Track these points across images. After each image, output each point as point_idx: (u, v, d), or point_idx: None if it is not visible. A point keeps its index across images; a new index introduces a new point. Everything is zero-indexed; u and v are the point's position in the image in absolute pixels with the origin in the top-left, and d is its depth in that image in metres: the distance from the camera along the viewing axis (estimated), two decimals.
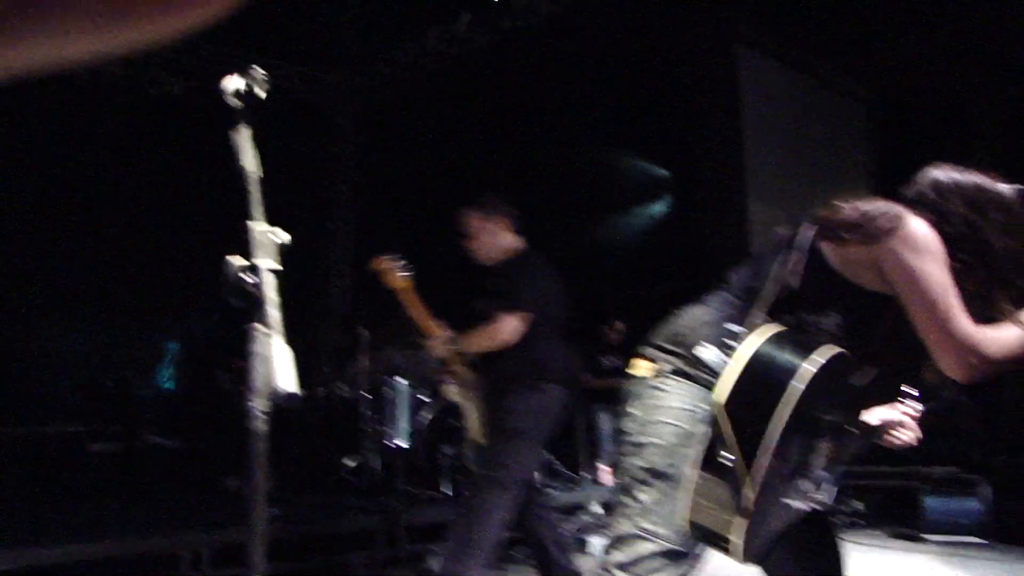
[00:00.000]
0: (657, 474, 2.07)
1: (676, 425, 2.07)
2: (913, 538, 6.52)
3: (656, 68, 11.10)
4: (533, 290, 4.28)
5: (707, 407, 1.95)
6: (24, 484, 6.82)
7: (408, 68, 9.47)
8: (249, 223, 1.71)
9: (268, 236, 1.69)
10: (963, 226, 2.05)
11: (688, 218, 11.18)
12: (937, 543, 6.37)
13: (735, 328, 2.02)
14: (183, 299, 8.09)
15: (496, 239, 4.56)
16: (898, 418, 2.43)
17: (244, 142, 1.86)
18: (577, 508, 6.87)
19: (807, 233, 2.08)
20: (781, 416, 1.81)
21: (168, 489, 6.97)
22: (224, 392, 7.29)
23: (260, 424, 1.63)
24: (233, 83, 1.89)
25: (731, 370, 1.89)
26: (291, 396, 1.48)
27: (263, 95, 1.90)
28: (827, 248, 2.07)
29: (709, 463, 1.88)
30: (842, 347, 1.96)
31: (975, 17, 9.63)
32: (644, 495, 2.09)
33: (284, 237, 1.73)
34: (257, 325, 1.60)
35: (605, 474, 7.46)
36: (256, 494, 1.69)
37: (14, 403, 7.30)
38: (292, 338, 1.55)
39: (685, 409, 2.08)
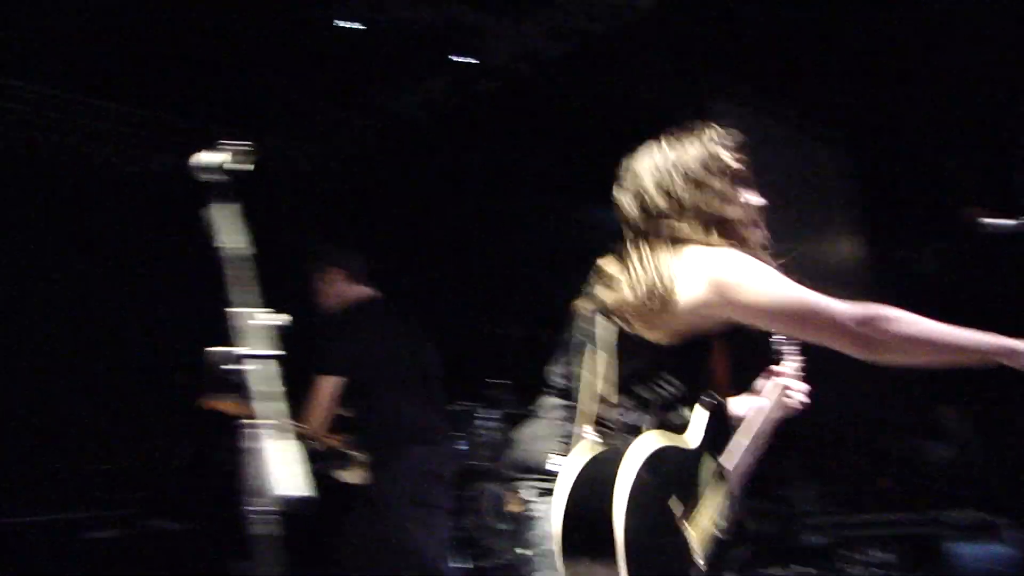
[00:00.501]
0: None
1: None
2: None
3: (635, 121, 11.01)
4: (348, 349, 4.04)
5: None
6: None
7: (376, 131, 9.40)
8: (229, 309, 1.57)
9: (258, 320, 1.55)
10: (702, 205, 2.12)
11: None
12: None
13: (569, 429, 2.04)
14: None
15: (331, 290, 4.33)
16: (773, 391, 2.38)
17: (225, 219, 1.73)
18: None
19: (601, 326, 2.06)
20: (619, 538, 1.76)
21: None
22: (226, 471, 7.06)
23: (264, 527, 1.48)
24: (208, 157, 1.77)
25: (553, 525, 1.87)
26: (300, 500, 1.33)
27: (247, 168, 1.78)
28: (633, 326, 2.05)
29: None
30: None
31: (952, 62, 9.62)
32: None
33: (281, 319, 1.59)
34: (249, 422, 1.47)
35: None
36: None
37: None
38: None
39: None
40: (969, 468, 7.69)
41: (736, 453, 2.19)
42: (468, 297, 8.63)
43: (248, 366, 1.49)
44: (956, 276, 8.66)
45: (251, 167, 1.80)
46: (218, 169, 1.77)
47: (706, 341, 2.08)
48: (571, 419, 2.06)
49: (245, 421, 1.48)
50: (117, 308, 7.85)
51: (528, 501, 2.09)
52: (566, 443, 2.01)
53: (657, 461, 1.88)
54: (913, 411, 7.45)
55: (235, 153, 1.78)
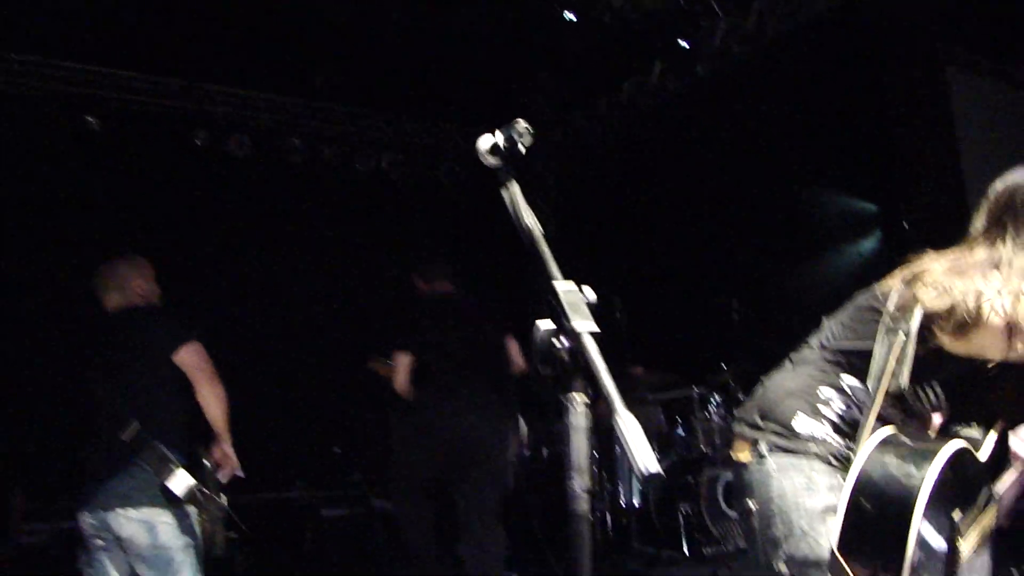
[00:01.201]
0: (810, 563, 1.91)
1: (800, 507, 1.94)
2: None
3: (861, 99, 10.67)
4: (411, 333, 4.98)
5: (820, 476, 1.90)
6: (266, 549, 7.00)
7: (604, 120, 9.45)
8: (554, 283, 1.60)
9: (576, 295, 1.57)
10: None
11: (901, 252, 10.58)
12: None
13: (826, 393, 2.00)
14: None
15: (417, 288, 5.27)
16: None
17: (517, 198, 1.76)
18: None
19: (915, 322, 1.96)
20: (912, 541, 1.69)
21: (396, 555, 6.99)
22: None
23: (582, 504, 1.50)
24: (490, 140, 1.80)
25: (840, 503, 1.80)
26: (654, 477, 1.34)
27: (524, 149, 1.81)
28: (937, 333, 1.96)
29: None
30: (947, 417, 1.93)
31: None
32: None
33: (591, 296, 1.60)
34: (575, 395, 1.49)
35: None
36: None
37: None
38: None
39: (800, 487, 1.95)
40: None
41: (1007, 484, 2.08)
42: (697, 282, 8.59)
43: (582, 341, 1.50)
44: None
45: (530, 144, 1.82)
46: (503, 149, 1.79)
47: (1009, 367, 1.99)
48: (826, 381, 2.03)
49: (570, 396, 1.50)
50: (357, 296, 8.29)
51: (761, 455, 2.03)
52: (814, 403, 1.99)
53: (960, 463, 1.83)
54: None
55: (520, 133, 1.80)
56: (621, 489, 6.42)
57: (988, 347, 1.93)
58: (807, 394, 2.03)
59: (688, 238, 8.98)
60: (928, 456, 1.78)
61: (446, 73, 8.02)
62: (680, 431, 6.85)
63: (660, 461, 6.61)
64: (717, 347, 7.21)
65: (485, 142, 1.79)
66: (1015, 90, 11.28)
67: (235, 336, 6.90)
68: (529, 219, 1.73)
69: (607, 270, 8.60)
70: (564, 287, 1.57)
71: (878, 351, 1.97)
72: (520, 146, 1.79)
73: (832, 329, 2.16)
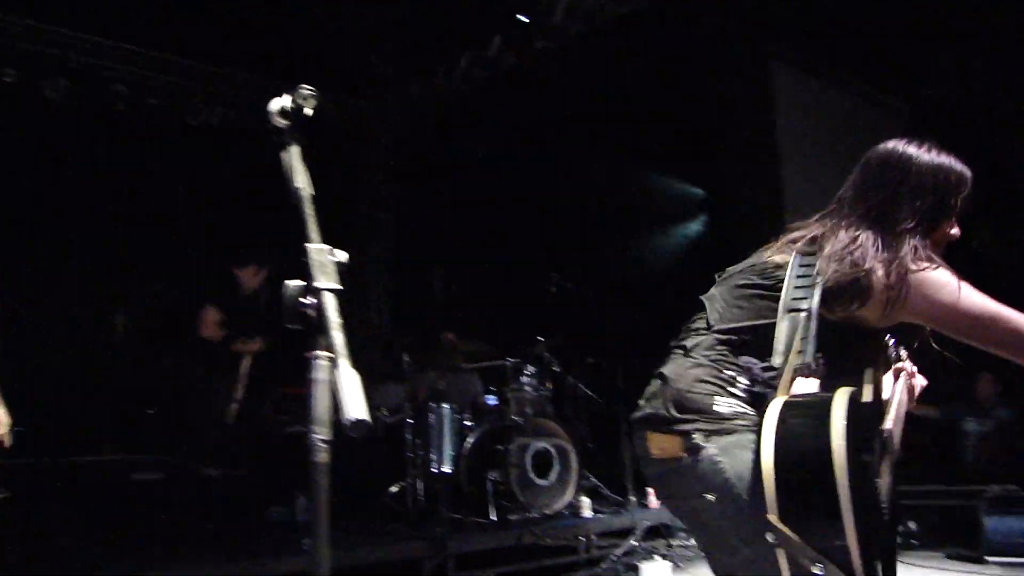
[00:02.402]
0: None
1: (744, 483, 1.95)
2: (974, 560, 6.32)
3: (691, 86, 11.03)
4: None
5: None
6: (68, 514, 6.80)
7: (441, 92, 9.45)
8: (307, 244, 1.64)
9: (327, 256, 1.62)
10: (919, 211, 2.15)
11: (724, 237, 11.07)
12: (999, 564, 6.18)
13: (731, 373, 2.03)
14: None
15: None
16: (904, 387, 2.36)
17: (295, 161, 1.80)
18: (625, 532, 6.75)
19: (816, 299, 2.02)
20: (844, 494, 1.73)
21: (212, 519, 6.90)
22: (269, 421, 7.24)
23: (323, 455, 1.56)
24: (279, 102, 1.84)
25: (766, 476, 1.80)
26: (360, 423, 1.40)
27: (311, 113, 1.85)
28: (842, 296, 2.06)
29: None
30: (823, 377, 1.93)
31: (1014, 29, 9.51)
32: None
33: (343, 256, 1.66)
34: (318, 351, 1.53)
35: (653, 498, 7.32)
36: (319, 528, 1.61)
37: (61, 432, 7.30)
38: None
39: (751, 462, 1.93)
40: (1004, 442, 7.65)
41: (891, 419, 2.20)
42: (520, 255, 8.73)
43: (323, 299, 1.56)
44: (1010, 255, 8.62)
45: (316, 110, 1.87)
46: (290, 112, 1.84)
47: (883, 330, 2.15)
48: (725, 362, 2.07)
49: (314, 352, 1.54)
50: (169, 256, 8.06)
51: (698, 446, 2.00)
52: (724, 384, 2.02)
53: (858, 407, 1.88)
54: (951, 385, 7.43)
55: (304, 97, 1.85)
56: (433, 456, 6.49)
57: (871, 315, 2.07)
58: (715, 376, 2.04)
59: (515, 212, 9.11)
60: (826, 407, 1.83)
61: (288, 32, 7.85)
62: (493, 400, 6.99)
63: (473, 429, 6.73)
64: (534, 319, 7.39)
65: (275, 104, 1.83)
66: (832, 88, 11.90)
67: (49, 295, 6.64)
68: (301, 181, 1.77)
69: (433, 237, 8.66)
70: (316, 248, 1.62)
71: (781, 328, 2.02)
72: (305, 110, 1.84)
73: (718, 310, 2.20)
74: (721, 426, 1.97)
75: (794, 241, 2.25)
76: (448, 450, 6.57)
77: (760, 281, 2.18)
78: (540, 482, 6.50)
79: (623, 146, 10.33)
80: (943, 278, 2.03)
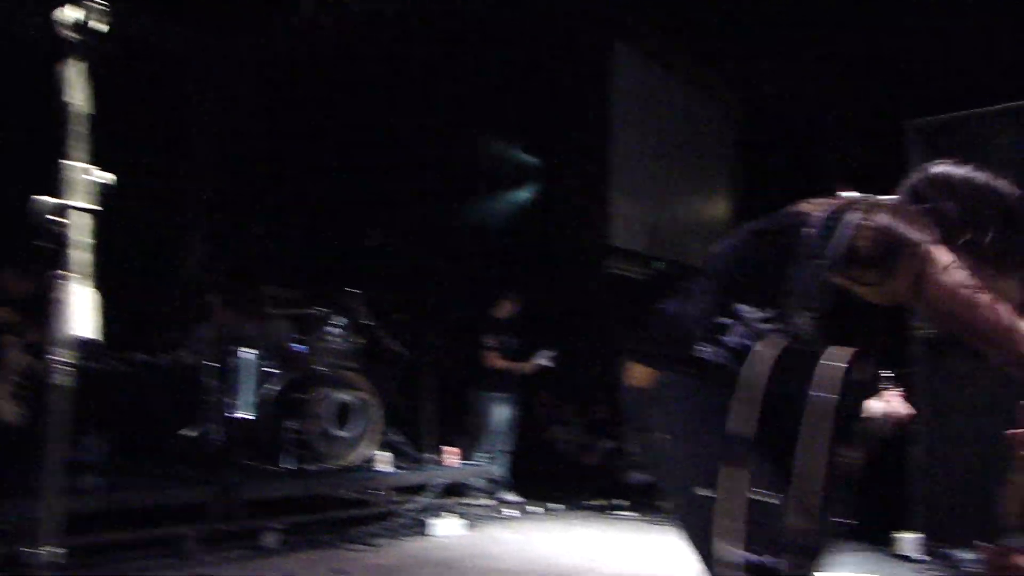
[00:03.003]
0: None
1: (715, 427, 1.96)
2: None
3: (536, 57, 11.13)
4: None
5: (725, 398, 1.91)
6: None
7: (278, 38, 9.20)
8: (64, 161, 1.58)
9: (84, 175, 1.57)
10: (958, 225, 2.07)
11: (554, 206, 11.26)
12: None
13: (725, 321, 2.00)
14: None
15: None
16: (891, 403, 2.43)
17: (75, 76, 1.73)
18: (420, 489, 6.84)
19: (827, 256, 2.01)
20: (824, 435, 1.80)
21: None
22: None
23: (62, 377, 1.51)
24: (69, 14, 1.76)
25: (751, 396, 1.85)
26: (87, 343, 1.37)
27: (102, 28, 1.77)
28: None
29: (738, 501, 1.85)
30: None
31: (838, 36, 10.05)
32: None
33: (106, 177, 1.61)
34: (61, 271, 1.49)
35: (450, 456, 7.43)
36: (54, 452, 1.56)
37: None
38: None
39: (710, 409, 1.96)
40: None
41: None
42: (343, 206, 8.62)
43: (72, 218, 1.51)
44: None
45: (106, 27, 1.79)
46: (75, 26, 1.76)
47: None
48: (721, 309, 2.03)
49: (55, 272, 1.50)
50: None
51: (667, 381, 2.04)
52: (713, 331, 2.00)
53: (859, 366, 1.90)
54: None
55: (91, 11, 1.77)
56: (232, 401, 6.38)
57: (885, 293, 2.07)
58: (705, 321, 2.02)
59: (342, 163, 8.98)
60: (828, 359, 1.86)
61: None
62: (300, 348, 6.91)
63: (276, 377, 6.65)
64: (348, 271, 7.34)
65: (63, 14, 1.76)
66: (671, 77, 12.25)
67: None
68: (77, 98, 1.70)
69: (254, 181, 8.45)
70: (73, 166, 1.57)
71: (796, 274, 2.01)
72: (93, 24, 1.78)
73: (726, 254, 2.17)
74: (695, 370, 1.99)
75: (829, 202, 2.17)
76: (249, 396, 6.48)
77: (773, 226, 2.16)
78: (339, 434, 6.49)
79: (460, 109, 10.33)
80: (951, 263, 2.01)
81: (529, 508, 7.57)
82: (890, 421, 2.22)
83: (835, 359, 1.85)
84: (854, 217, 2.03)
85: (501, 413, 7.77)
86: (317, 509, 6.11)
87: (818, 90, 11.28)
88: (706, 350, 1.99)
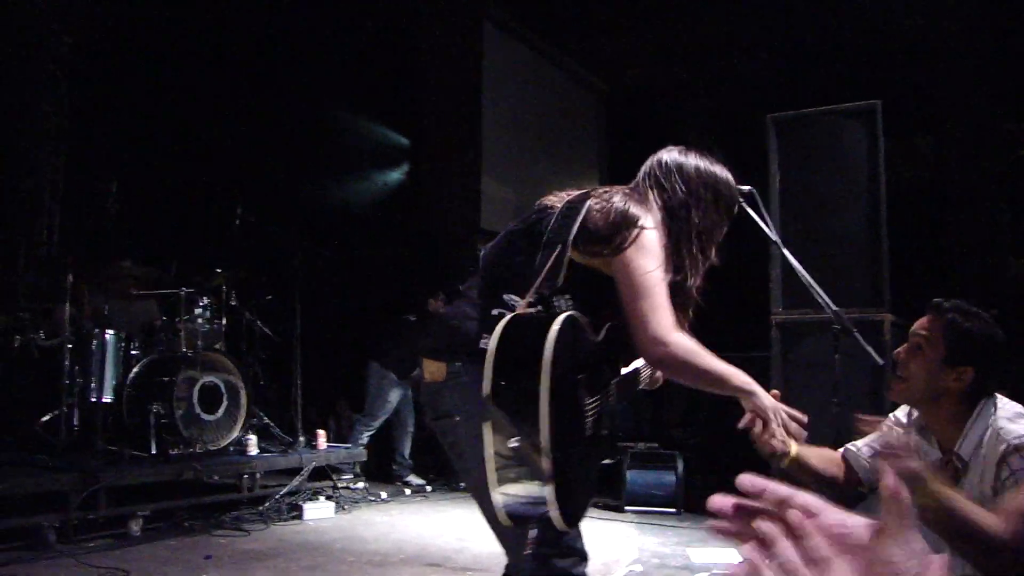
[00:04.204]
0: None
1: None
2: (615, 508, 6.90)
3: (404, 35, 11.07)
4: None
5: None
6: None
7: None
8: None
9: None
10: (681, 205, 2.37)
11: (422, 187, 11.25)
12: (635, 513, 6.79)
13: (497, 311, 2.17)
14: None
15: None
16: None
17: None
18: (292, 472, 6.76)
19: (563, 238, 2.24)
20: (544, 384, 1.91)
21: None
22: None
23: None
24: None
25: (487, 362, 1.98)
26: None
27: None
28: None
29: (500, 453, 1.97)
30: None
31: (705, 25, 10.37)
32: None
33: None
34: None
35: (322, 439, 7.37)
36: None
37: None
38: None
39: None
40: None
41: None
42: (208, 182, 8.39)
43: None
44: None
45: None
46: None
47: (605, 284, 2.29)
48: (495, 302, 2.22)
49: None
50: None
51: (458, 373, 2.23)
52: (491, 323, 2.10)
53: (574, 328, 2.05)
54: None
55: None
56: (93, 384, 6.15)
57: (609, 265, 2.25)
58: (482, 314, 2.21)
59: (207, 139, 8.73)
60: (549, 320, 2.00)
61: None
62: (163, 331, 6.71)
63: (139, 359, 6.45)
64: (214, 250, 7.16)
65: None
66: (540, 59, 12.37)
67: None
68: None
69: (111, 152, 8.12)
70: None
71: (539, 259, 2.21)
72: None
73: (487, 254, 2.39)
74: (480, 360, 2.06)
75: (569, 193, 2.42)
76: (110, 379, 6.26)
77: (523, 223, 2.39)
78: (206, 417, 6.35)
79: (331, 88, 10.20)
80: (655, 250, 2.25)
81: (408, 490, 7.64)
82: (648, 377, 2.59)
83: (558, 324, 2.01)
84: (590, 202, 2.30)
85: (396, 393, 7.72)
86: (184, 495, 5.97)
87: (684, 79, 11.62)
88: (486, 341, 2.11)
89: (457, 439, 2.25)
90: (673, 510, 6.78)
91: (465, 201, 10.85)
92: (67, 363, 6.07)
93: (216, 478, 6.43)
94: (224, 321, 6.90)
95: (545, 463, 1.88)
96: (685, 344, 2.19)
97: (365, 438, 7.66)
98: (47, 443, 6.09)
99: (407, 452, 7.91)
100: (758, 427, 2.30)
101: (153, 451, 6.05)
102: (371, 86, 10.73)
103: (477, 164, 10.92)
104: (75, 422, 6.14)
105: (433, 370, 2.28)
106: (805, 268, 3.09)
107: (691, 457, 7.25)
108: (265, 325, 7.44)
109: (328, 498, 6.70)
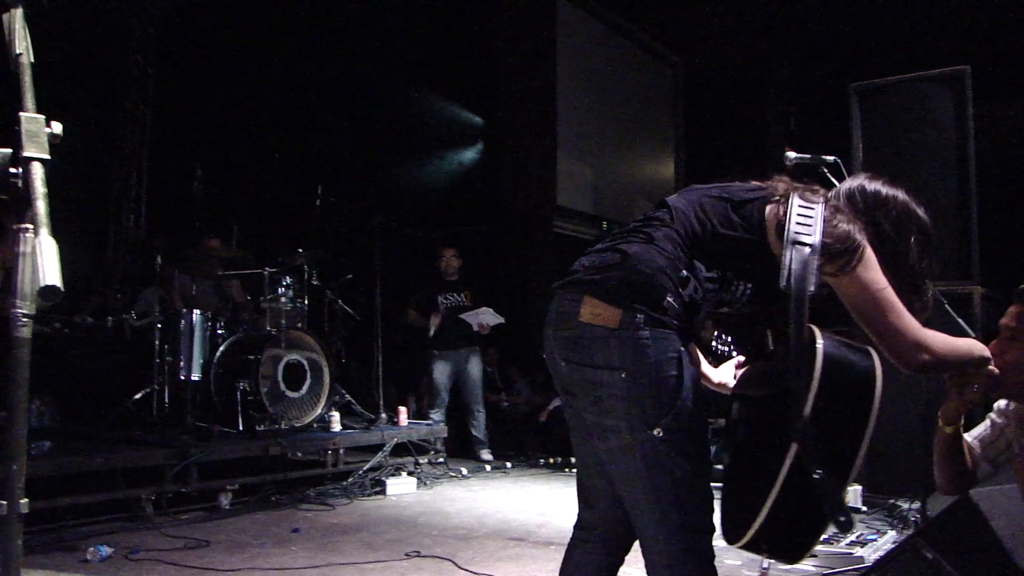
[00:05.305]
0: (692, 429, 2.05)
1: (684, 376, 2.04)
2: None
3: (477, 16, 11.08)
4: None
5: (683, 348, 2.04)
6: None
7: None
8: (20, 113, 1.56)
9: (40, 126, 1.55)
10: (887, 240, 2.21)
11: (498, 166, 11.27)
12: (714, 489, 6.72)
13: (685, 274, 2.08)
14: None
15: None
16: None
17: (16, 24, 1.70)
18: (374, 448, 6.86)
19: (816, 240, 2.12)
20: (871, 419, 1.98)
21: None
22: None
23: (24, 330, 1.50)
24: None
25: (813, 381, 1.97)
26: (51, 289, 1.36)
27: None
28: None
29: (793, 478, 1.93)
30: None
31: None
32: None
33: (57, 128, 1.58)
34: (24, 224, 1.47)
35: (403, 416, 7.46)
36: (18, 408, 1.55)
37: None
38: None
39: (674, 359, 2.04)
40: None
41: None
42: (288, 164, 8.53)
43: (31, 168, 1.50)
44: None
45: None
46: None
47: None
48: (684, 263, 2.13)
49: (20, 225, 1.48)
50: None
51: (638, 326, 2.07)
52: (676, 284, 2.09)
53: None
54: None
55: None
56: (182, 363, 6.33)
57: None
58: (673, 272, 2.06)
59: (288, 121, 8.88)
60: (867, 355, 2.09)
61: None
62: (247, 310, 6.88)
63: (225, 338, 6.61)
64: (296, 230, 7.29)
65: None
66: (614, 34, 12.27)
67: None
68: (20, 47, 1.67)
69: (196, 138, 8.31)
70: (29, 117, 1.55)
71: (786, 255, 2.10)
72: None
73: (684, 211, 2.19)
74: (662, 318, 2.03)
75: (787, 182, 2.28)
76: (198, 357, 6.43)
77: (730, 194, 2.24)
78: (291, 394, 6.49)
79: (407, 69, 10.27)
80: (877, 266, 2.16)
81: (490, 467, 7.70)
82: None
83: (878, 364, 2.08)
84: (824, 211, 2.15)
85: (444, 371, 7.84)
86: (271, 470, 6.11)
87: (763, 52, 11.41)
88: (671, 301, 2.03)
89: (611, 394, 2.05)
90: None
91: (541, 179, 10.84)
92: (157, 343, 6.27)
93: (300, 454, 6.57)
94: (306, 300, 7.03)
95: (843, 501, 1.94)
96: (937, 340, 2.14)
97: (435, 414, 7.77)
98: (140, 420, 6.31)
99: (478, 430, 7.98)
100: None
101: (240, 427, 6.21)
102: (446, 66, 10.77)
103: (552, 141, 10.89)
104: (166, 399, 6.33)
105: (600, 312, 2.05)
106: None
107: None
108: (346, 304, 7.57)
109: (410, 473, 6.78)
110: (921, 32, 8.44)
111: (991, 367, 2.27)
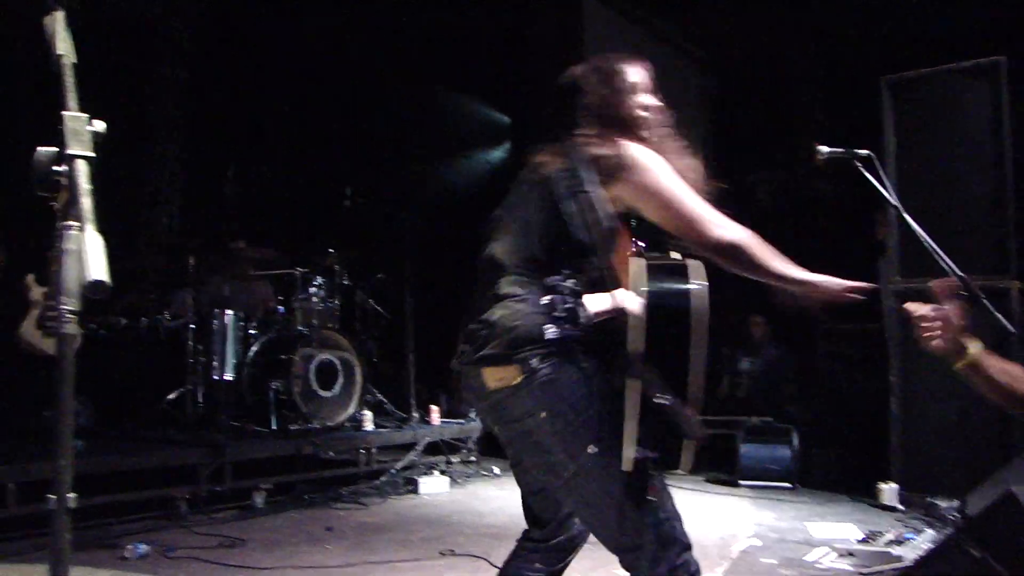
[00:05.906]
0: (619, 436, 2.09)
1: (592, 394, 2.14)
2: (730, 483, 6.82)
3: (504, 15, 11.08)
4: None
5: (588, 364, 2.13)
6: None
7: None
8: (63, 112, 1.58)
9: (83, 124, 1.56)
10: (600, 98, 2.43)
11: (525, 165, 11.23)
12: (750, 488, 6.70)
13: (547, 299, 2.15)
14: None
15: None
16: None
17: (58, 27, 1.72)
18: (406, 447, 6.88)
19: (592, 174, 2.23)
20: (700, 340, 2.01)
21: None
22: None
23: (71, 328, 1.51)
24: None
25: (636, 322, 2.02)
26: (98, 284, 1.37)
27: None
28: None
29: (645, 410, 2.00)
30: None
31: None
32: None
33: (100, 126, 1.60)
34: (69, 221, 1.48)
35: (435, 415, 7.47)
36: (65, 407, 1.56)
37: None
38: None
39: (579, 379, 2.13)
40: (768, 378, 8.20)
41: None
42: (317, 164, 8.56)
43: (75, 166, 1.51)
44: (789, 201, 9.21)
45: None
46: None
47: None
48: (536, 291, 2.20)
49: (65, 223, 1.50)
50: None
51: (535, 369, 2.13)
52: (545, 312, 2.14)
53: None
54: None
55: None
56: (215, 363, 6.37)
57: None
58: (536, 308, 2.16)
59: (316, 122, 8.92)
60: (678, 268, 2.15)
61: None
62: (280, 309, 6.91)
63: (257, 338, 6.64)
64: (326, 230, 7.31)
65: None
66: (643, 34, 12.21)
67: None
68: (64, 48, 1.70)
69: (228, 140, 8.37)
70: (72, 115, 1.56)
71: (568, 207, 2.20)
72: None
73: (509, 248, 2.31)
74: (552, 349, 2.11)
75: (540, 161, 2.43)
76: (231, 357, 6.47)
77: (528, 185, 2.39)
78: (323, 394, 6.51)
79: (433, 68, 10.28)
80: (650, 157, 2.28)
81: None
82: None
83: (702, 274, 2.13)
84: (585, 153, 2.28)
85: None
86: (304, 469, 6.14)
87: (791, 46, 11.34)
88: (552, 330, 2.12)
89: (543, 436, 2.16)
90: (788, 485, 6.66)
91: None
92: (191, 343, 6.31)
93: (332, 453, 6.59)
94: (337, 300, 7.05)
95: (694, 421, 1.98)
96: (735, 225, 2.18)
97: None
98: (175, 420, 6.35)
99: None
100: (920, 311, 2.37)
101: (273, 427, 6.25)
102: (474, 66, 10.77)
103: None
104: (199, 399, 6.37)
105: (500, 375, 2.17)
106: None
107: (806, 431, 7.10)
108: (377, 303, 7.59)
109: (442, 472, 6.80)
110: (954, 22, 8.34)
111: (922, 310, 2.38)
